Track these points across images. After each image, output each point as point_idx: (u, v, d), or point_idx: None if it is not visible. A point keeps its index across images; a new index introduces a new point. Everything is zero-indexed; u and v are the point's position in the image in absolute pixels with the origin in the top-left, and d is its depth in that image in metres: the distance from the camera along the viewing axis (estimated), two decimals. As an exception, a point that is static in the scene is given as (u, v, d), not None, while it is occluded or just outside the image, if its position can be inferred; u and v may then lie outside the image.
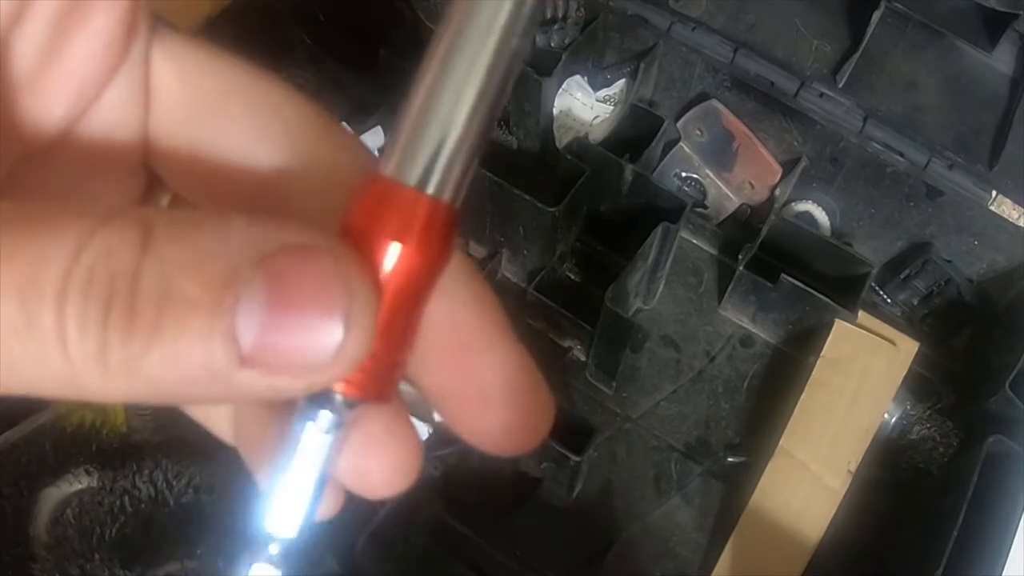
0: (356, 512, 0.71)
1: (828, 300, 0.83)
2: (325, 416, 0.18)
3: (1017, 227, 0.85)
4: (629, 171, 0.86)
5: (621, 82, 0.96)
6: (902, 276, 0.90)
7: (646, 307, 0.93)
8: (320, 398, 0.18)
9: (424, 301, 0.18)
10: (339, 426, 0.18)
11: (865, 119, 0.86)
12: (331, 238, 0.16)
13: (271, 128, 0.20)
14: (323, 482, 0.19)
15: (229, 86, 0.20)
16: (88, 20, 0.19)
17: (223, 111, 0.20)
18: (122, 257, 0.15)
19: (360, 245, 0.17)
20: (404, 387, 0.74)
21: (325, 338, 0.16)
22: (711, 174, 0.96)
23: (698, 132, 0.95)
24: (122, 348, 0.15)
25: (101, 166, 0.21)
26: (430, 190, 0.17)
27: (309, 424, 0.18)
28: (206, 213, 0.16)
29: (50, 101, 0.19)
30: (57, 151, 0.20)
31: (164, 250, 0.15)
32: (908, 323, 0.91)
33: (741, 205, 0.96)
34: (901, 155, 0.85)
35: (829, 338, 0.83)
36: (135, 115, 0.21)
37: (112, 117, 0.20)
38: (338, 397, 0.18)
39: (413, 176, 0.17)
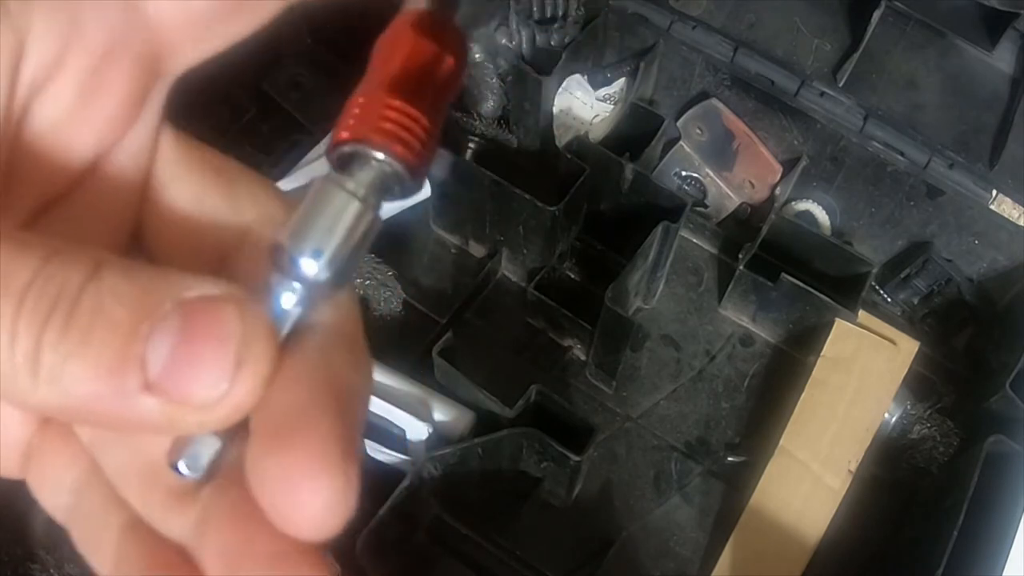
0: (356, 512, 0.71)
1: (828, 299, 0.83)
2: (347, 181, 0.20)
3: (1017, 226, 0.85)
4: (629, 170, 0.86)
5: (621, 81, 0.96)
6: (902, 275, 0.90)
7: (646, 306, 0.93)
8: (360, 162, 0.20)
9: (452, 96, 0.22)
10: (360, 198, 0.20)
11: (865, 118, 0.86)
12: (245, 295, 0.19)
13: (241, 206, 0.23)
14: (356, 239, 0.20)
15: (212, 167, 0.24)
16: (111, 79, 0.21)
17: (203, 187, 0.23)
18: (72, 280, 0.18)
19: (417, 48, 0.21)
20: (402, 386, 0.73)
21: (217, 382, 0.18)
22: (711, 173, 0.96)
23: (698, 131, 0.95)
24: (52, 353, 0.17)
25: (100, 216, 0.23)
26: (463, 23, 0.22)
27: (336, 189, 0.20)
28: (148, 264, 0.19)
29: (72, 152, 0.22)
30: (65, 200, 0.22)
31: (107, 281, 0.18)
32: (908, 322, 0.91)
33: (741, 204, 0.96)
34: (901, 154, 0.85)
35: (829, 337, 0.83)
36: (134, 180, 0.23)
37: (114, 178, 0.23)
38: (382, 156, 0.20)
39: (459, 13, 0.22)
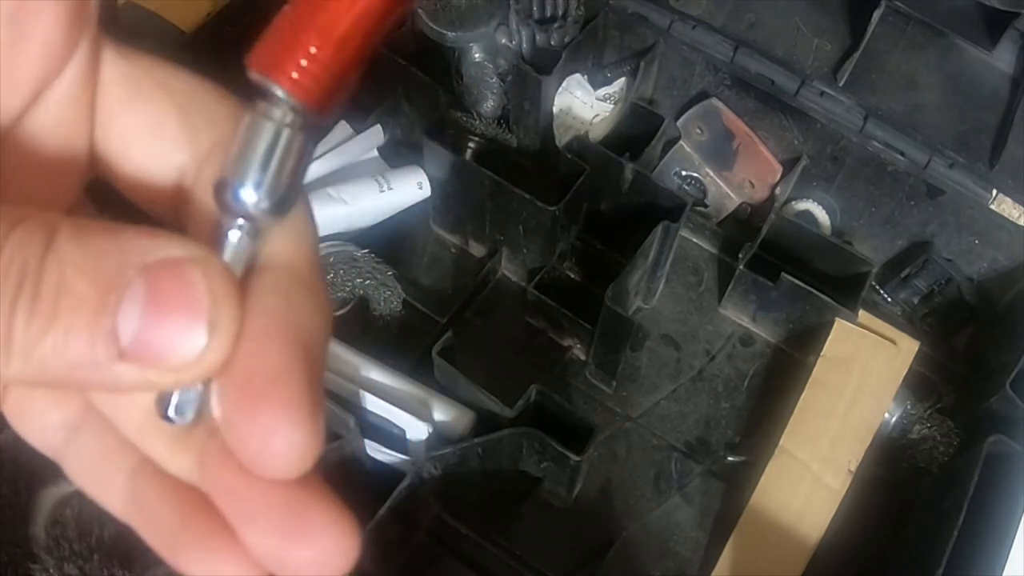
0: (356, 512, 0.71)
1: (828, 299, 0.83)
2: (272, 109, 0.21)
3: (1017, 226, 0.85)
4: (629, 170, 0.86)
5: (621, 80, 0.96)
6: (902, 275, 0.90)
7: (646, 306, 0.93)
8: (270, 98, 0.20)
9: (376, 36, 0.21)
10: (286, 124, 0.21)
11: (866, 118, 0.86)
12: (206, 253, 0.19)
13: (198, 131, 0.22)
14: (286, 172, 0.21)
15: (165, 89, 0.23)
16: (37, 17, 0.20)
17: (157, 112, 0.22)
18: (30, 253, 0.17)
19: None
20: (402, 386, 0.73)
21: (191, 341, 0.18)
22: (711, 173, 0.96)
23: (698, 131, 0.95)
24: (24, 332, 0.17)
25: (44, 163, 0.22)
26: None
27: (262, 120, 0.20)
28: (103, 222, 0.19)
29: (4, 95, 0.21)
30: (3, 146, 0.21)
31: (64, 250, 0.18)
32: (908, 322, 0.91)
33: (741, 204, 0.96)
34: (902, 154, 0.85)
35: (829, 337, 0.83)
36: (79, 115, 0.22)
37: (56, 116, 0.22)
38: (281, 94, 0.20)
39: None
